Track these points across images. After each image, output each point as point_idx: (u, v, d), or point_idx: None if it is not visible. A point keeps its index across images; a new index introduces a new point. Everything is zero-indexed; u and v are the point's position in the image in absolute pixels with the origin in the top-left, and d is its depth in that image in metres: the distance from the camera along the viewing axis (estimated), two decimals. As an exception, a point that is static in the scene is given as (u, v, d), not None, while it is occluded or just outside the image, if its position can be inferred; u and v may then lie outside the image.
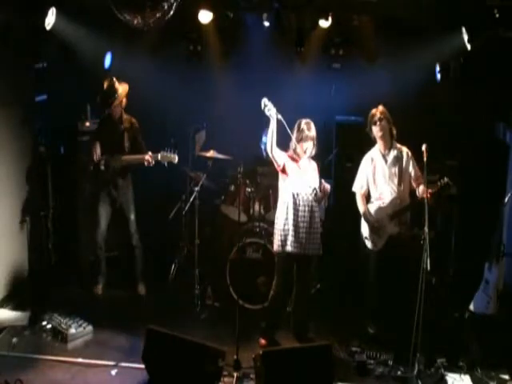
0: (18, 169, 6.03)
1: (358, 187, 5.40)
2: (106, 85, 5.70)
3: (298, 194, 5.03)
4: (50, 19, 5.45)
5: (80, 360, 4.82)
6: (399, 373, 4.78)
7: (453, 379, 4.71)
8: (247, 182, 6.10)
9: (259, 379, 4.42)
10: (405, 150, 5.31)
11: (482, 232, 5.76)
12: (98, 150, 5.78)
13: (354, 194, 5.42)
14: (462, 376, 4.75)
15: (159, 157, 5.64)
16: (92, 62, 6.16)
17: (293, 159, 5.09)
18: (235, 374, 4.59)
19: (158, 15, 4.53)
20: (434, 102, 6.44)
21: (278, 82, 6.37)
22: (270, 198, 6.08)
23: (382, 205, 5.28)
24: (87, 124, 6.46)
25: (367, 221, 5.28)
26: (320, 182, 5.10)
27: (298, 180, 5.04)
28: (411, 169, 5.26)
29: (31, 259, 6.20)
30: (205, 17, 5.92)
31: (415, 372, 4.64)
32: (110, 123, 5.83)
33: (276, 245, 5.11)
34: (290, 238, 5.00)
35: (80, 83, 6.33)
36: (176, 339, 4.47)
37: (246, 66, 6.68)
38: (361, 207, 5.36)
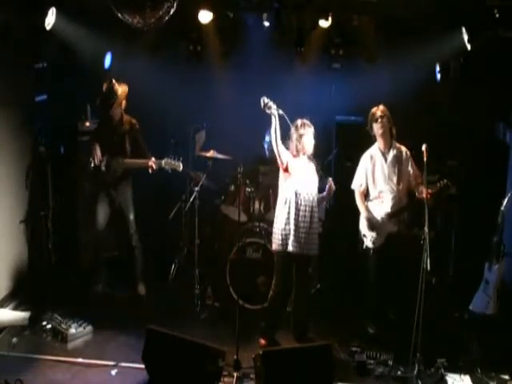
0: (18, 169, 6.02)
1: (357, 185, 5.41)
2: (105, 87, 5.71)
3: (299, 194, 5.04)
4: (50, 19, 5.45)
5: (80, 360, 4.83)
6: (399, 373, 4.78)
7: (453, 379, 4.71)
8: (247, 181, 6.10)
9: (259, 379, 4.42)
10: (404, 149, 5.32)
11: (482, 232, 5.76)
12: (98, 152, 5.78)
13: (354, 194, 5.42)
14: (462, 376, 4.75)
15: (163, 163, 5.62)
16: (92, 61, 6.15)
17: (294, 158, 5.10)
18: (235, 374, 4.59)
19: (158, 15, 4.52)
20: (433, 101, 6.43)
21: (278, 82, 6.37)
22: (269, 198, 6.09)
23: (380, 203, 5.29)
24: (87, 124, 6.45)
25: (366, 219, 5.29)
26: (328, 182, 5.13)
27: (300, 179, 5.05)
28: (410, 168, 5.27)
29: (31, 259, 6.19)
30: (205, 17, 5.92)
31: (415, 372, 4.65)
32: (110, 125, 5.83)
33: (276, 244, 5.10)
34: (291, 238, 5.00)
35: (80, 83, 6.32)
36: (176, 339, 4.47)
37: (246, 66, 6.68)
38: (360, 205, 5.37)
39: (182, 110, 6.70)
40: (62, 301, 5.65)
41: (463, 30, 5.54)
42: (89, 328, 5.27)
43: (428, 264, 4.53)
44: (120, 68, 6.29)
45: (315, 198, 5.11)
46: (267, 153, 6.24)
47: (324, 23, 5.89)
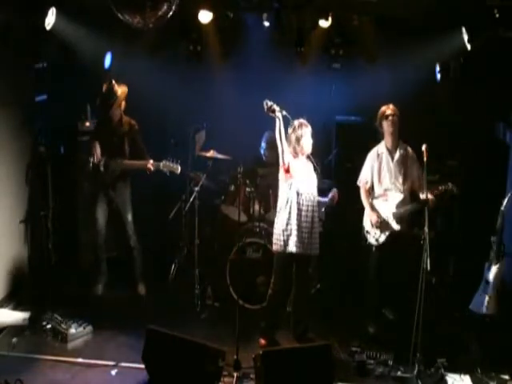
0: (18, 169, 6.02)
1: (363, 182, 5.42)
2: (105, 87, 5.72)
3: (301, 194, 5.03)
4: (50, 19, 5.45)
5: (80, 360, 4.83)
6: (399, 373, 4.77)
7: (453, 379, 4.71)
8: (247, 182, 6.09)
9: (259, 379, 4.42)
10: (410, 150, 5.35)
11: (482, 232, 5.75)
12: (98, 151, 5.79)
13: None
14: (462, 376, 4.75)
15: (161, 166, 5.64)
16: (92, 61, 6.15)
17: (294, 159, 5.10)
18: (235, 374, 4.59)
19: (157, 15, 4.52)
20: (433, 102, 6.44)
21: (278, 82, 6.38)
22: (269, 198, 6.08)
23: (385, 201, 5.30)
24: (87, 124, 6.46)
25: (370, 215, 5.29)
26: (332, 191, 5.18)
27: (301, 179, 5.05)
28: (415, 169, 5.28)
29: (31, 259, 6.20)
30: (205, 17, 5.92)
31: (415, 372, 4.65)
32: (110, 125, 5.84)
33: (277, 244, 5.09)
34: (293, 238, 4.99)
35: (80, 83, 6.32)
36: (176, 339, 4.47)
37: (246, 66, 6.68)
38: (365, 201, 5.38)
39: (182, 110, 6.70)
40: (62, 301, 5.64)
41: (463, 30, 5.54)
42: (89, 328, 5.27)
43: (428, 264, 4.53)
44: (120, 68, 6.29)
45: (316, 198, 5.11)
46: (264, 158, 6.27)
47: (324, 23, 5.89)
